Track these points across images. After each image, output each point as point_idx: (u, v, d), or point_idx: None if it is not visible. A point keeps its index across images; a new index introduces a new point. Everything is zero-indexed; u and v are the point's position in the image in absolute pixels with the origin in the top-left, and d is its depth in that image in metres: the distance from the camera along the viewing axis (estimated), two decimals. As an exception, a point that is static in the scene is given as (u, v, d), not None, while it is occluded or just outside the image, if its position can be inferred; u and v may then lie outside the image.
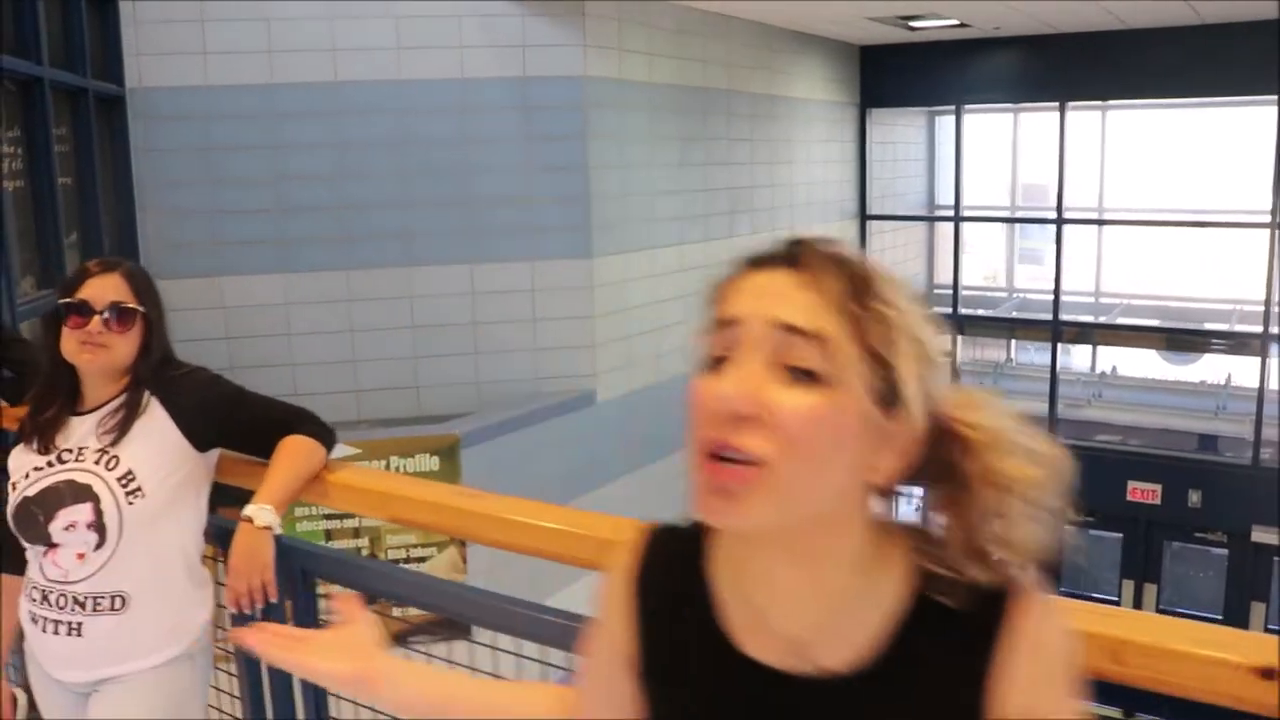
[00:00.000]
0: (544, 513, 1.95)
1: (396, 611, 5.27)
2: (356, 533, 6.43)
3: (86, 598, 2.08)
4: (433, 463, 6.48)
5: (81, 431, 2.14)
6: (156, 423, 2.13)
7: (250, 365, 7.27)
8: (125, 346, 2.12)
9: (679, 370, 8.49)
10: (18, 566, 2.20)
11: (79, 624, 2.08)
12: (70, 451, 2.11)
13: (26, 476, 2.11)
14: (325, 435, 2.22)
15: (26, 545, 2.11)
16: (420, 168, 7.37)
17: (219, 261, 7.18)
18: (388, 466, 6.36)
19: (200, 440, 2.16)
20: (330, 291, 7.30)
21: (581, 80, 7.66)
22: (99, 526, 2.05)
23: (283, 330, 7.27)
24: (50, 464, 2.11)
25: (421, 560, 6.63)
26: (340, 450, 6.21)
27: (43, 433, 2.15)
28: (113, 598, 2.08)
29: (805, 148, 10.93)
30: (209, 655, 2.29)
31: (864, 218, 12.26)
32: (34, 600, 2.12)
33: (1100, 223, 13.39)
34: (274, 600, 2.12)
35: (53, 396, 2.18)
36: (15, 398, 2.83)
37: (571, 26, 7.59)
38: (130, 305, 2.12)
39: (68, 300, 2.09)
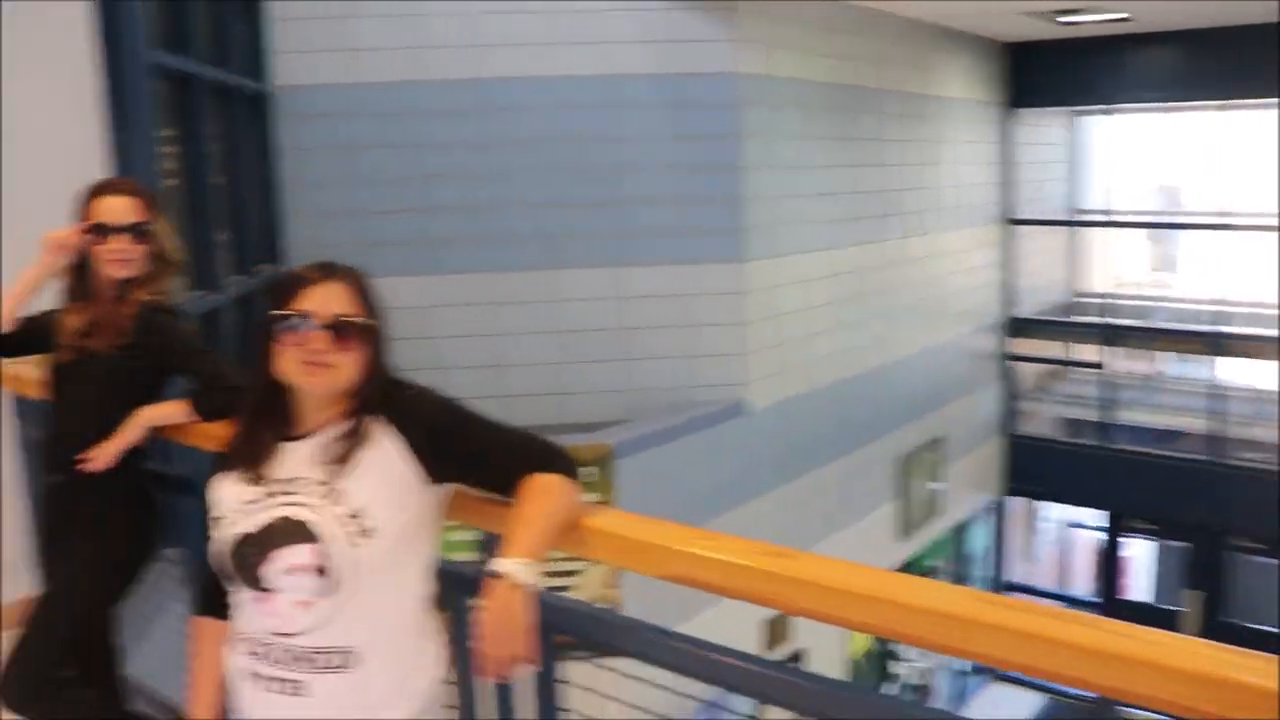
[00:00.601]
0: (883, 584, 1.62)
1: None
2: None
3: (310, 653, 1.77)
4: (590, 473, 6.21)
5: (297, 460, 1.83)
6: (385, 452, 1.81)
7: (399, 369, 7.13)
8: (350, 365, 1.81)
9: (832, 378, 8.22)
10: (219, 609, 1.92)
11: (301, 682, 1.77)
12: (285, 482, 1.81)
13: (235, 510, 1.81)
14: (575, 473, 1.91)
15: (233, 589, 1.84)
16: (566, 167, 7.14)
17: (363, 263, 6.99)
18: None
19: (435, 472, 1.84)
20: (475, 294, 7.10)
21: (734, 77, 7.35)
22: (324, 571, 1.74)
23: (426, 333, 7.08)
24: (263, 497, 1.80)
25: (569, 574, 6.36)
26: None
27: (253, 461, 1.85)
28: (340, 653, 1.77)
29: (952, 149, 10.48)
30: (439, 716, 2.00)
31: (1008, 222, 11.72)
32: (246, 654, 1.82)
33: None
34: (533, 668, 1.82)
35: (263, 420, 1.89)
36: (204, 414, 2.65)
37: (723, 21, 7.28)
38: (356, 318, 1.83)
39: (284, 313, 1.80)
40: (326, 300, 1.80)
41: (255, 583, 1.75)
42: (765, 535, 1.86)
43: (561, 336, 7.19)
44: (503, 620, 1.68)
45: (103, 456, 2.61)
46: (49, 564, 2.83)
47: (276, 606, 1.75)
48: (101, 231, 2.60)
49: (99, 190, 2.69)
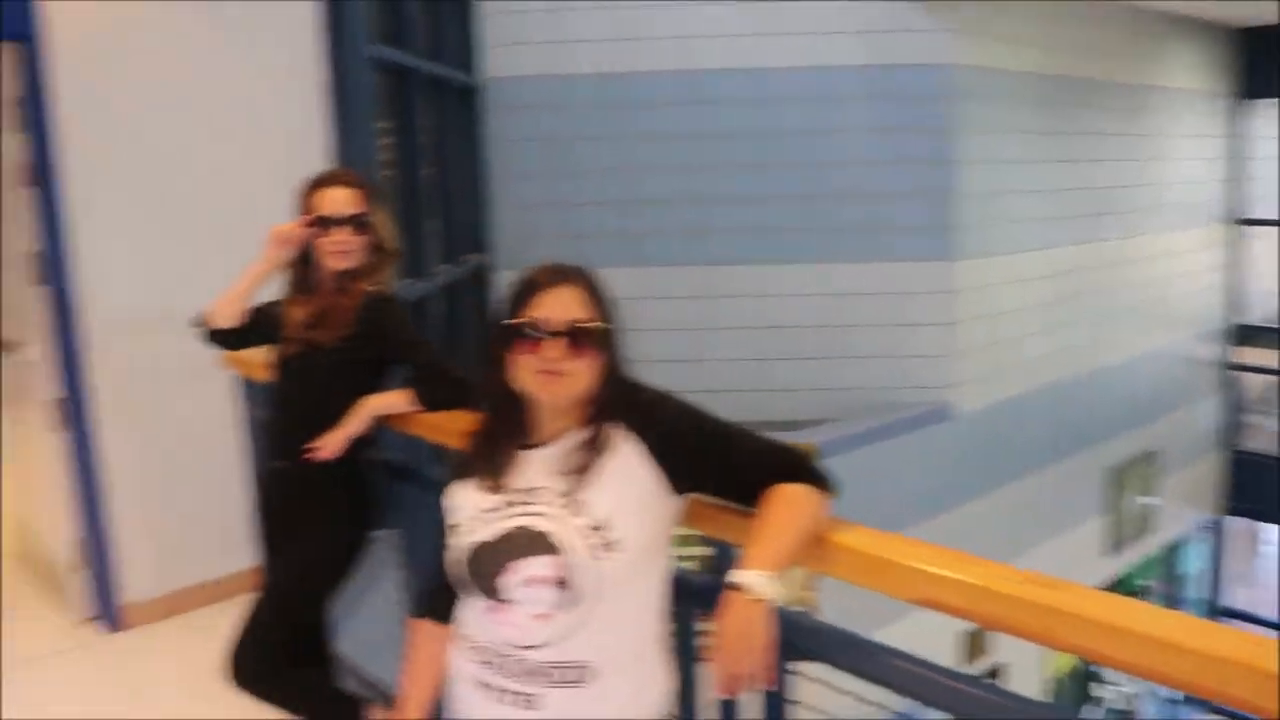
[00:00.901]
0: (1187, 630, 1.43)
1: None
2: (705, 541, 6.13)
3: (547, 667, 1.71)
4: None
5: (535, 469, 1.79)
6: (627, 461, 1.76)
7: (594, 362, 7.16)
8: (586, 372, 1.77)
9: (1043, 383, 7.84)
10: (441, 613, 1.89)
11: (535, 696, 1.72)
12: (524, 492, 1.76)
13: (472, 518, 1.78)
14: (827, 485, 1.79)
15: (465, 596, 1.80)
16: (774, 161, 7.00)
17: (568, 254, 7.04)
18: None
19: (678, 481, 1.77)
20: (679, 287, 7.05)
21: (948, 69, 7.07)
22: (564, 584, 1.68)
23: (630, 325, 7.06)
24: (501, 506, 1.76)
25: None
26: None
27: (491, 469, 1.80)
28: (576, 668, 1.71)
29: (1177, 143, 9.85)
30: None
31: (1236, 222, 10.97)
32: (477, 663, 1.78)
33: None
34: (770, 688, 1.71)
35: (500, 427, 1.84)
36: (426, 404, 2.68)
37: (938, 11, 7.00)
38: (591, 324, 1.79)
39: (517, 321, 1.75)
40: (560, 306, 1.76)
41: (491, 592, 1.71)
42: (968, 544, 1.73)
43: (765, 332, 7.07)
44: (741, 635, 1.59)
45: (331, 445, 2.66)
46: (271, 547, 2.88)
47: (513, 618, 1.70)
48: (324, 224, 2.65)
49: (320, 183, 2.74)
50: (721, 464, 1.79)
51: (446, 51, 6.29)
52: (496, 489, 1.78)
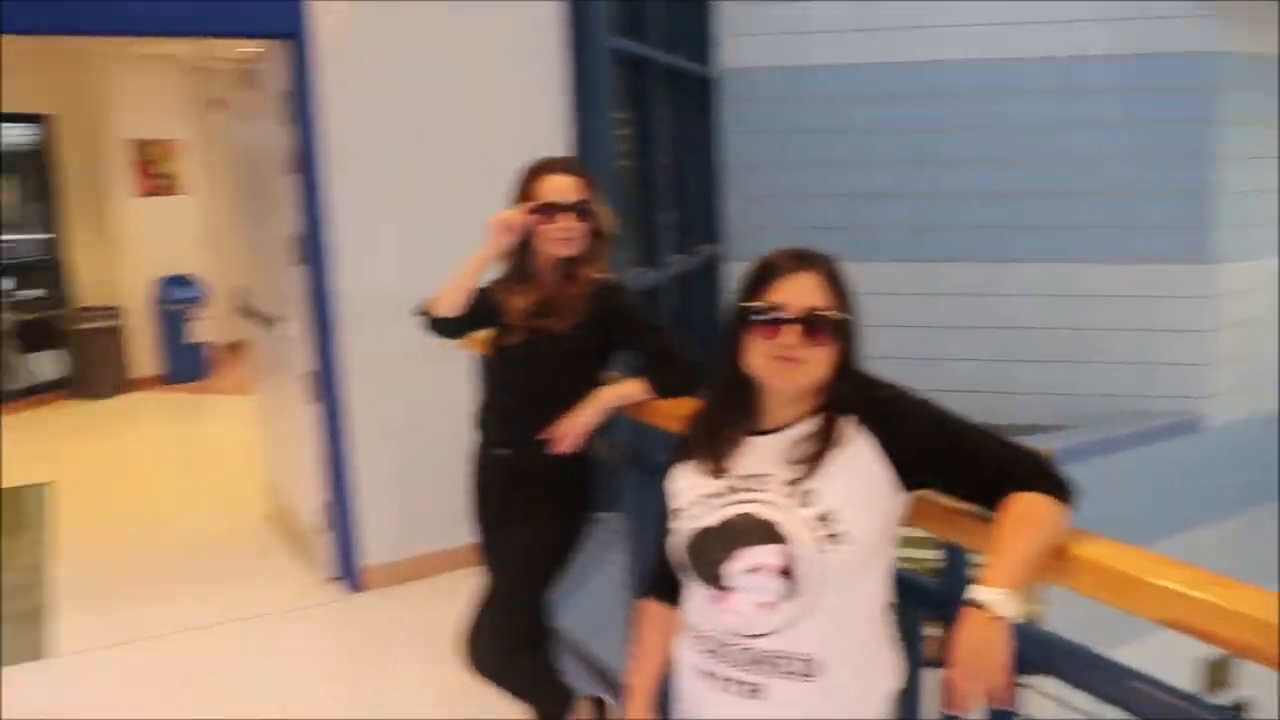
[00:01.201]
0: None
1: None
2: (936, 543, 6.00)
3: (773, 656, 1.69)
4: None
5: (762, 456, 1.74)
6: (858, 454, 1.70)
7: (822, 358, 7.10)
8: (821, 361, 1.72)
9: (1309, 397, 7.25)
10: (668, 594, 1.89)
11: (761, 685, 1.69)
12: (749, 478, 1.73)
13: (695, 503, 1.76)
14: (1069, 495, 1.69)
15: (687, 582, 1.79)
16: (1013, 155, 6.72)
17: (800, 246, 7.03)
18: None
19: (909, 478, 1.71)
20: (910, 283, 6.89)
21: (1210, 56, 6.60)
22: (789, 574, 1.64)
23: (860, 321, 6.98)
24: (725, 491, 1.73)
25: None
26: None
27: (716, 454, 1.78)
28: (802, 660, 1.68)
29: None
30: None
31: None
32: (701, 651, 1.77)
33: None
34: (1006, 709, 1.65)
35: (727, 412, 1.82)
36: (660, 392, 2.67)
37: (1203, -7, 6.55)
38: (830, 312, 1.73)
39: (755, 304, 1.72)
40: (799, 292, 1.71)
41: (714, 580, 1.70)
42: (1212, 566, 1.58)
43: (1001, 333, 6.82)
44: (979, 652, 1.53)
45: (570, 439, 2.65)
46: (490, 530, 2.91)
47: (737, 606, 1.68)
48: (549, 210, 2.63)
49: (542, 169, 2.72)
50: (957, 462, 1.72)
51: (683, 43, 6.35)
52: (719, 473, 1.75)
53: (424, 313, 2.87)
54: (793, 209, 7.00)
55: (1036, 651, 1.76)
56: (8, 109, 8.35)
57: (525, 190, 2.70)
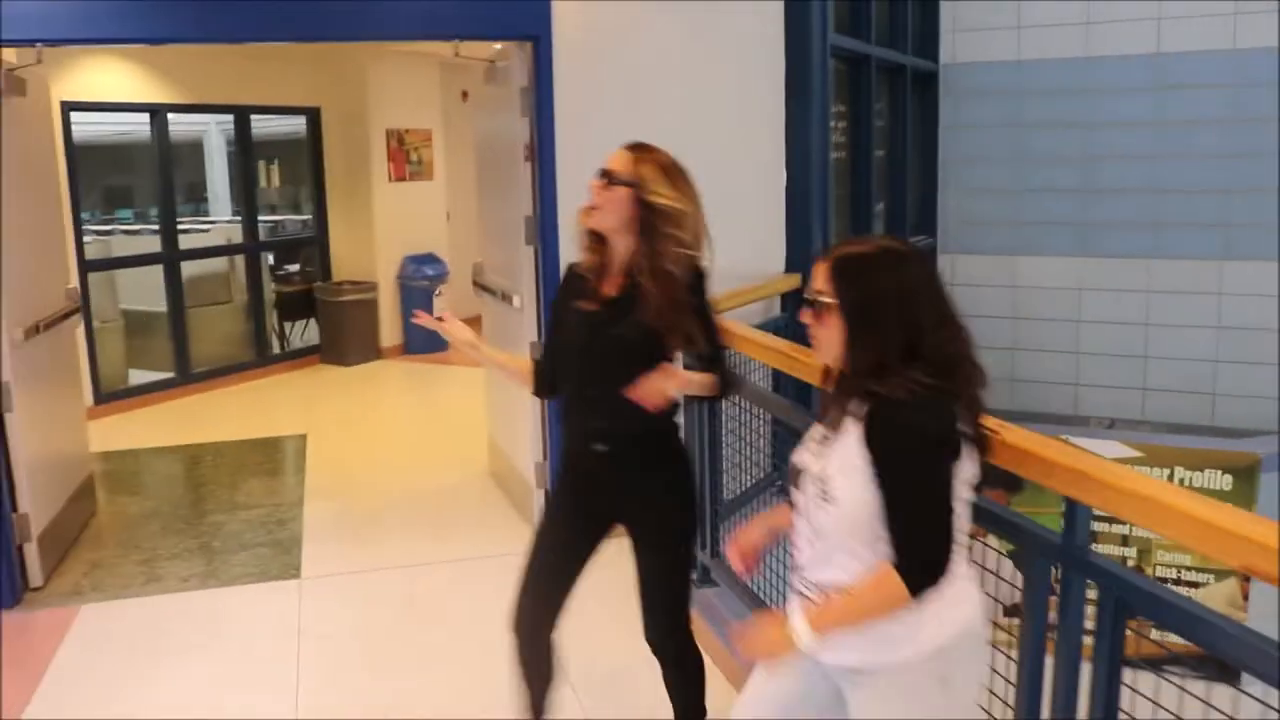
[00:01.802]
0: None
1: (1155, 634, 4.79)
2: (1124, 540, 5.96)
3: (808, 584, 2.01)
4: (1225, 481, 5.77)
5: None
6: (851, 440, 1.90)
7: (1033, 348, 7.11)
8: (828, 343, 1.94)
9: None
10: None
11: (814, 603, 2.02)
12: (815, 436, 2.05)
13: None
14: (919, 590, 1.86)
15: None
16: (1241, 150, 6.58)
17: (1015, 240, 7.07)
18: (1171, 477, 5.78)
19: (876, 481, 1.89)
20: (1128, 280, 6.84)
21: None
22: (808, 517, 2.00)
23: (1072, 316, 6.97)
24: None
25: (1194, 586, 5.97)
26: (1119, 450, 5.74)
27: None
28: (821, 592, 1.98)
29: None
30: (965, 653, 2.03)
31: None
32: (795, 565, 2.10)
33: None
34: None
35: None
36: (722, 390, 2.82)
37: None
38: (824, 297, 1.92)
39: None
40: (815, 278, 1.95)
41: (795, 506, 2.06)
42: None
43: (1218, 332, 6.70)
44: (764, 641, 1.99)
45: (652, 397, 2.58)
46: (590, 518, 2.86)
47: (797, 538, 2.05)
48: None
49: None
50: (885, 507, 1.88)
51: (907, 38, 6.50)
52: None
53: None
54: (1014, 203, 7.07)
55: (1130, 593, 1.96)
56: (281, 103, 9.29)
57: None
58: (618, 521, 2.79)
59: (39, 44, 4.43)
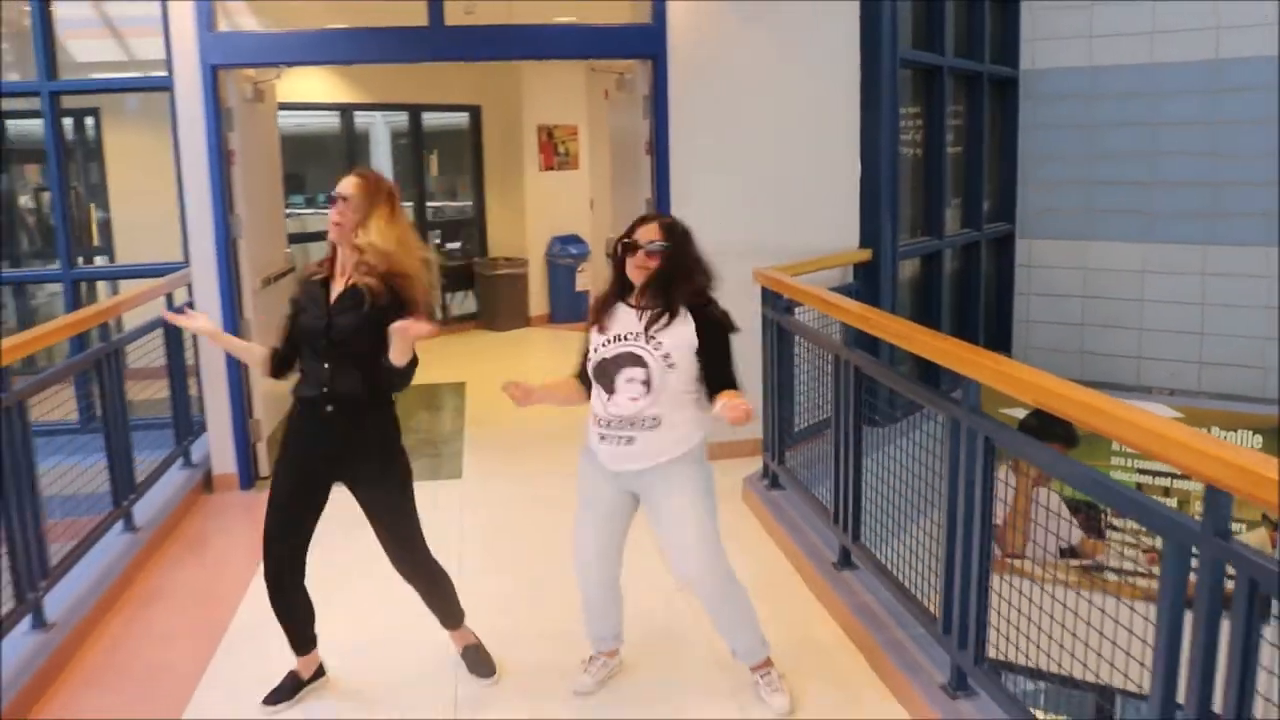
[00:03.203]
0: None
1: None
2: (1166, 492, 6.78)
3: (638, 420, 3.26)
4: (1255, 440, 6.56)
5: (628, 321, 3.28)
6: (685, 329, 3.23)
7: (1100, 324, 7.96)
8: (653, 271, 3.26)
9: None
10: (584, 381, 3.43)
11: (633, 436, 3.28)
12: (624, 335, 3.27)
13: (599, 346, 3.30)
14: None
15: (596, 387, 3.34)
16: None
17: (1085, 227, 7.91)
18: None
19: (699, 352, 3.25)
20: (1186, 264, 7.59)
21: None
22: (648, 383, 3.23)
23: (1135, 295, 7.78)
24: (611, 341, 3.28)
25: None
26: (1165, 411, 6.71)
27: (603, 320, 3.34)
28: (653, 419, 3.25)
29: None
30: (703, 460, 3.39)
31: None
32: (599, 425, 3.34)
33: None
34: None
35: (614, 296, 3.37)
36: None
37: None
38: (658, 243, 3.24)
39: (626, 239, 3.29)
40: (647, 233, 3.27)
41: (609, 387, 3.29)
42: None
43: (1268, 312, 7.39)
44: (738, 406, 2.98)
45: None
46: None
47: (619, 399, 3.27)
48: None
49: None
50: (712, 362, 3.25)
51: (986, 48, 7.44)
52: (604, 330, 3.31)
53: None
54: (1085, 194, 7.90)
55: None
56: (447, 101, 10.73)
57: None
58: None
59: (280, 65, 5.84)
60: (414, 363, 3.25)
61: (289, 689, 3.64)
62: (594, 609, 3.62)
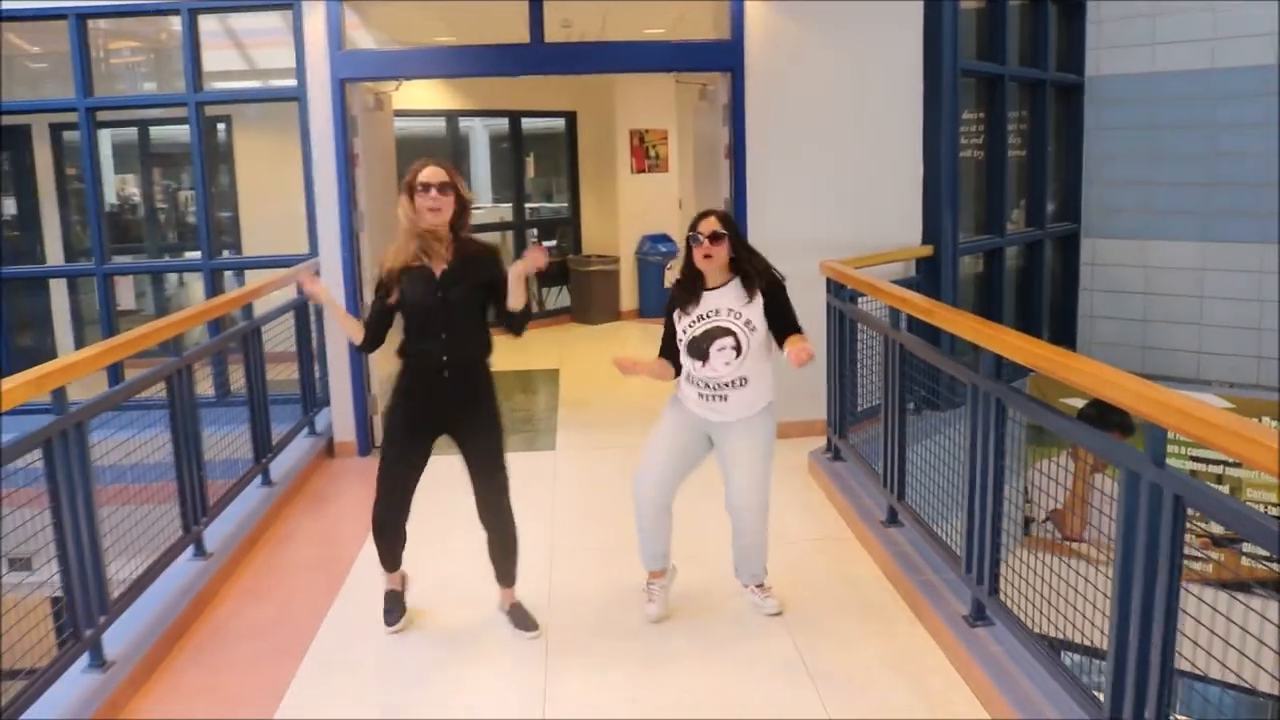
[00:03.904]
0: None
1: (1245, 561, 6.03)
2: (1219, 479, 7.15)
3: (731, 380, 3.97)
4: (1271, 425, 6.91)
5: (711, 301, 3.97)
6: (758, 302, 3.94)
7: (1161, 320, 8.33)
8: (719, 258, 3.94)
9: None
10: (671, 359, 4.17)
11: (726, 395, 4.00)
12: (710, 312, 3.97)
13: (688, 326, 3.99)
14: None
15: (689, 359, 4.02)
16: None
17: (1146, 226, 8.29)
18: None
19: (768, 316, 3.97)
20: (1245, 262, 7.92)
21: None
22: (739, 348, 3.93)
23: (1195, 292, 8.13)
24: (699, 319, 3.97)
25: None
26: (1218, 402, 7.14)
27: (689, 303, 4.03)
28: (742, 380, 3.98)
29: None
30: (772, 417, 4.12)
31: None
32: (696, 384, 4.04)
33: None
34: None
35: (692, 283, 4.04)
36: None
37: None
38: (721, 232, 3.92)
39: (693, 233, 3.95)
40: (707, 226, 3.91)
41: (704, 356, 3.95)
42: None
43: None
44: (805, 347, 3.67)
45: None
46: None
47: (715, 364, 3.94)
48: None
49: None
50: (781, 319, 3.95)
51: (1048, 58, 7.89)
52: (692, 311, 4.00)
53: None
54: (1146, 194, 8.28)
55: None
56: (545, 108, 11.46)
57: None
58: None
59: (398, 78, 6.58)
60: (529, 307, 3.90)
61: (397, 605, 4.31)
62: (648, 532, 4.26)
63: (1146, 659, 2.78)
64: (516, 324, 3.90)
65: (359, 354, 6.59)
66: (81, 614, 3.60)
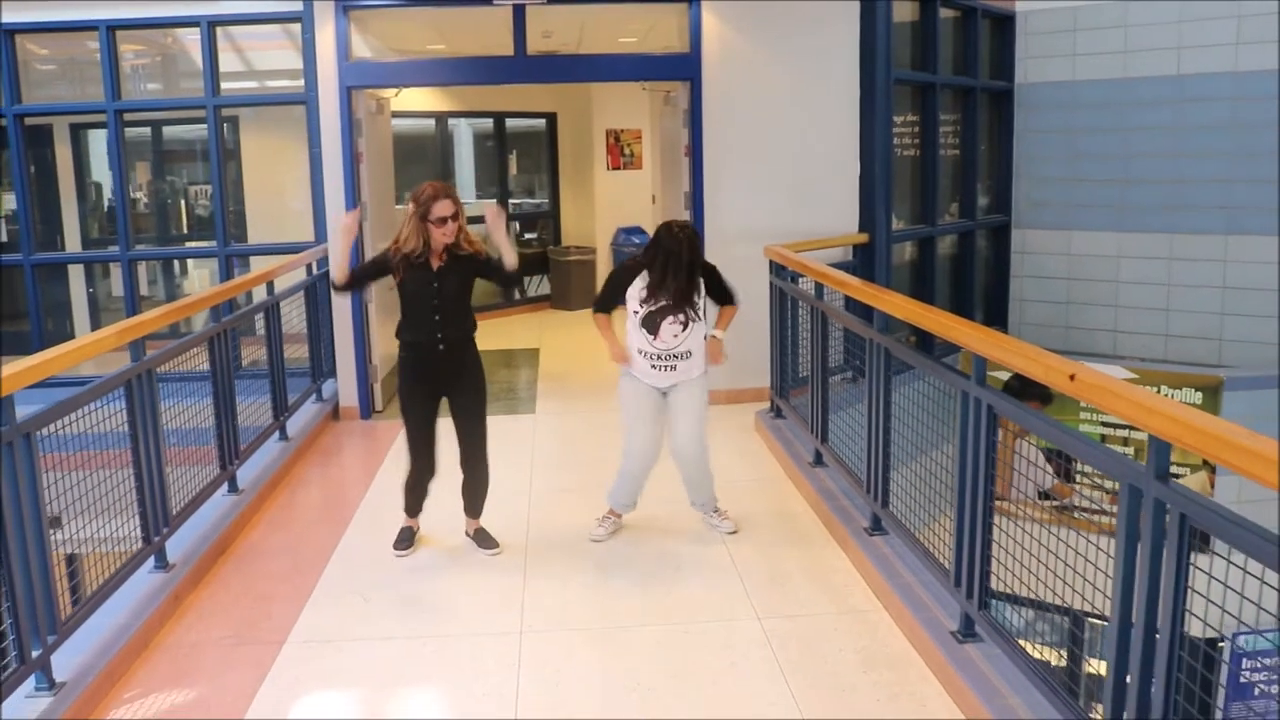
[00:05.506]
0: None
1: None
2: (1125, 442, 8.05)
3: (679, 351, 4.90)
4: (1196, 397, 7.82)
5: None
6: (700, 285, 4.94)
7: (1082, 301, 9.26)
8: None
9: None
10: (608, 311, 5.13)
11: (675, 365, 4.93)
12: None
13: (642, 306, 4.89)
14: (736, 304, 5.05)
15: (643, 332, 4.90)
16: (1243, 150, 8.38)
17: (1069, 218, 9.20)
18: (1157, 392, 7.80)
19: (708, 292, 4.97)
20: (1154, 250, 8.83)
21: None
22: (685, 324, 4.85)
23: (1111, 277, 9.05)
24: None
25: (1175, 477, 7.95)
26: (1122, 373, 8.06)
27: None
28: (687, 352, 4.92)
29: None
30: (706, 379, 5.05)
31: None
32: (648, 355, 4.92)
33: None
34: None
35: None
36: None
37: None
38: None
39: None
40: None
41: (655, 329, 4.84)
42: None
43: (1225, 293, 8.60)
44: (718, 349, 4.78)
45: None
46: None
47: (665, 336, 4.85)
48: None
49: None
50: (715, 290, 4.93)
51: (977, 67, 8.79)
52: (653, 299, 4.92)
53: None
54: (1069, 190, 9.18)
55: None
56: (527, 109, 12.35)
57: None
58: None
59: (398, 86, 7.45)
60: (521, 270, 4.88)
61: (409, 537, 5.19)
62: (634, 480, 5.18)
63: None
64: (517, 279, 4.89)
65: (363, 327, 7.45)
66: (152, 525, 4.47)
